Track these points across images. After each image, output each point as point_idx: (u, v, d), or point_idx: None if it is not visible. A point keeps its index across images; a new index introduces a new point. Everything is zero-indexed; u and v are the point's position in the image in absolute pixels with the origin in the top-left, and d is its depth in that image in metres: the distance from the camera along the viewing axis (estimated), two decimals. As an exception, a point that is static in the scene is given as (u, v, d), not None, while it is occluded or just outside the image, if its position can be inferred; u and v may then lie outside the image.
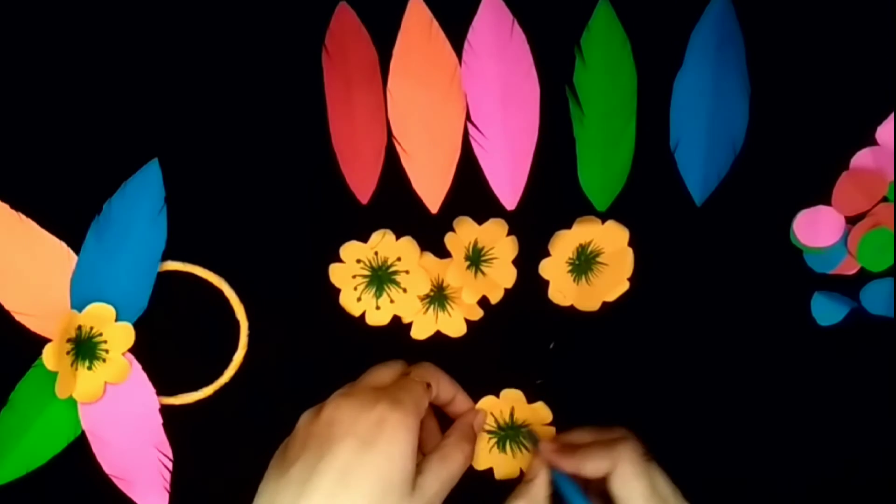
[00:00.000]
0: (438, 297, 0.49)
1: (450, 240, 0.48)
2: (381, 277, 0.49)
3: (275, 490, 0.40)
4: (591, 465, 0.42)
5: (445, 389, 0.46)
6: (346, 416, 0.41)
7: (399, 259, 0.48)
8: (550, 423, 0.49)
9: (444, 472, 0.42)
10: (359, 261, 0.48)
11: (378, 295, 0.49)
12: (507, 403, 0.48)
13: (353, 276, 0.49)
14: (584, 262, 0.48)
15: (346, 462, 0.39)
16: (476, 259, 0.48)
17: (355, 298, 0.49)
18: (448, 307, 0.49)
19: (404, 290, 0.49)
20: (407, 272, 0.48)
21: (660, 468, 0.43)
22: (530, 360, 0.49)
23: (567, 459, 0.43)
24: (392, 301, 0.49)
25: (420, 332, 0.49)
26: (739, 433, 0.49)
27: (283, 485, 0.40)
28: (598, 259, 0.48)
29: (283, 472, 0.40)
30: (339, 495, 0.38)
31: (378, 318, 0.49)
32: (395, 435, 0.40)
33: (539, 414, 0.48)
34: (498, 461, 0.48)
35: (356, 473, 0.39)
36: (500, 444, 0.48)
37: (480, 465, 0.48)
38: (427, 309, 0.49)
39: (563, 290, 0.48)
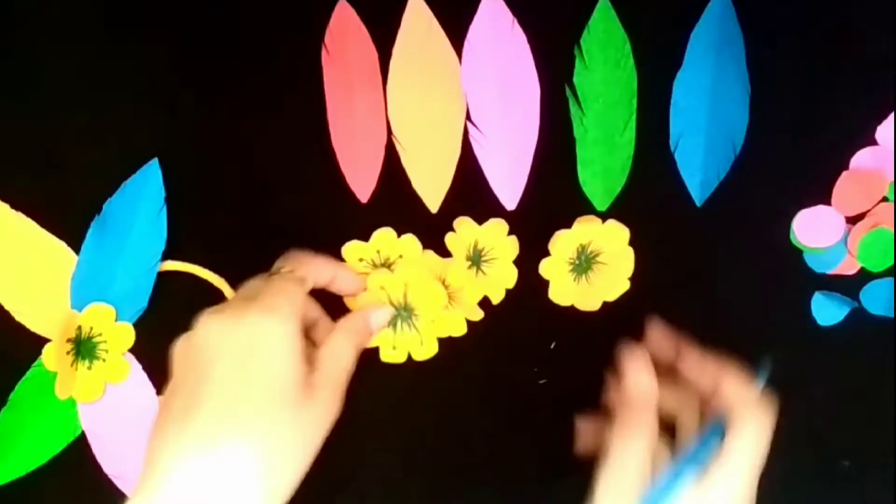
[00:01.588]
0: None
1: (450, 240, 0.48)
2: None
3: (160, 428, 0.37)
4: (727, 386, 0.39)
5: (322, 272, 0.43)
6: (217, 334, 0.38)
7: (401, 257, 0.48)
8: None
9: (334, 368, 0.40)
10: (361, 259, 0.48)
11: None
12: (401, 280, 0.45)
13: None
14: (584, 262, 0.48)
15: (226, 385, 0.36)
16: (477, 259, 0.48)
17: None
18: (448, 307, 0.49)
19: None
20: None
21: None
22: (531, 359, 0.49)
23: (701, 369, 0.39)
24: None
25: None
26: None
27: (167, 421, 0.37)
28: (599, 259, 0.48)
29: (165, 408, 0.37)
30: (227, 419, 0.36)
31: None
32: (272, 343, 0.37)
33: (434, 292, 0.46)
34: (385, 341, 0.46)
35: (240, 393, 0.36)
36: (392, 324, 0.46)
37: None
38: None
39: (564, 289, 0.48)
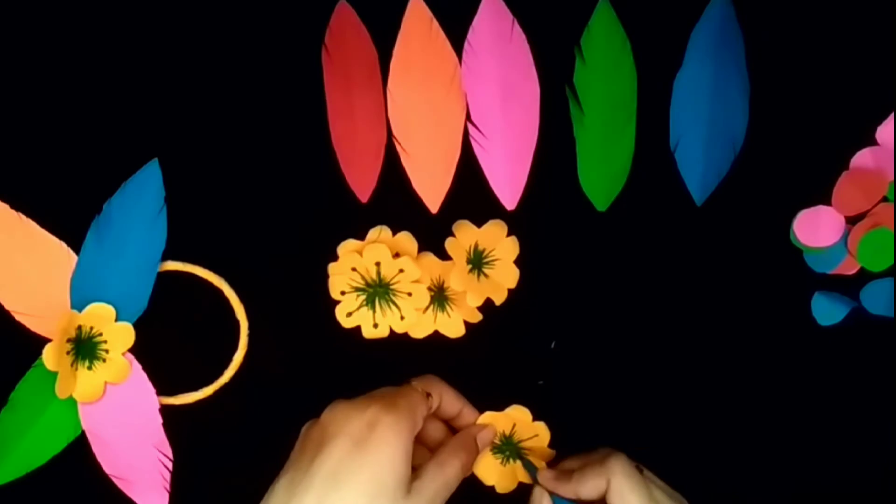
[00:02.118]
0: (438, 297, 0.49)
1: (450, 244, 0.48)
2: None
3: (270, 494, 0.40)
4: (588, 486, 0.43)
5: (450, 402, 0.46)
6: (339, 417, 0.41)
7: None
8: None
9: (439, 478, 0.42)
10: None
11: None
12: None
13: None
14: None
15: (337, 462, 0.39)
16: (478, 261, 0.48)
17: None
18: (448, 308, 0.49)
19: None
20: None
21: (653, 476, 0.43)
22: (532, 360, 0.49)
23: (565, 485, 0.44)
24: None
25: (418, 332, 0.49)
26: (740, 433, 0.49)
27: (276, 488, 0.40)
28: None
29: (280, 476, 0.41)
30: (331, 495, 0.39)
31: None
32: (386, 436, 0.40)
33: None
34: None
35: (347, 473, 0.39)
36: (369, 303, 0.48)
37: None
38: (426, 309, 0.49)
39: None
